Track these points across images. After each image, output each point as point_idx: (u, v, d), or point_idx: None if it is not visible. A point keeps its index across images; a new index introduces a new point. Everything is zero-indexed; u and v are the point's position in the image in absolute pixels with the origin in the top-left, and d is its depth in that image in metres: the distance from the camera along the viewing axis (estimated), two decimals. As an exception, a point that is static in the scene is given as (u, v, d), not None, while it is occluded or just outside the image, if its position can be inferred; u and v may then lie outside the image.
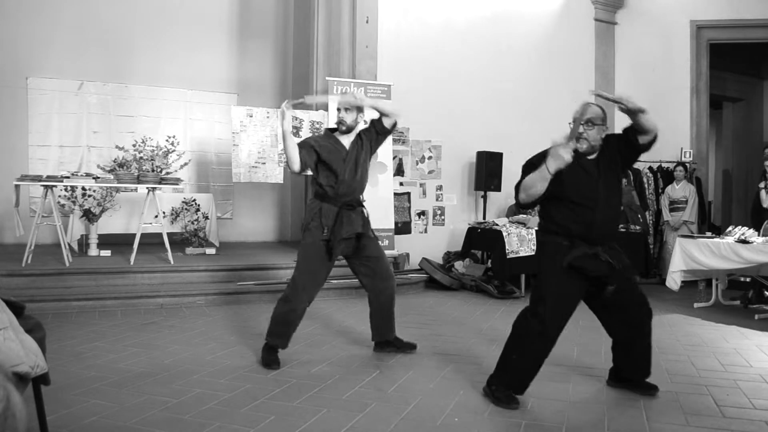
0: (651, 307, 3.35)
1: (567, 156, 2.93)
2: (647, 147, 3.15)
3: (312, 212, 3.90)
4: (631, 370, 3.43)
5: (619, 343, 3.41)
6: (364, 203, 4.08)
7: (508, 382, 3.23)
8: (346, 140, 4.00)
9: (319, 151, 3.89)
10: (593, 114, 3.11)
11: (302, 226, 4.00)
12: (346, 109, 3.93)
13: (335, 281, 6.56)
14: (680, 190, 7.94)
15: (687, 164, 8.29)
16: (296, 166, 3.82)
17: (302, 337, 4.59)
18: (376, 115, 4.06)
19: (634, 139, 3.12)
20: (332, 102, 4.09)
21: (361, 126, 4.09)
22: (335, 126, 4.04)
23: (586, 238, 3.11)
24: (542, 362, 3.22)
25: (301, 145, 3.89)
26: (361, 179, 3.99)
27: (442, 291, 7.01)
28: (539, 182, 3.01)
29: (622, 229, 7.36)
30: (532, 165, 3.14)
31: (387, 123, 4.02)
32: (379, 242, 4.14)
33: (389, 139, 7.42)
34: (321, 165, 3.93)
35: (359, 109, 3.98)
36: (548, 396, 3.33)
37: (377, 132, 4.06)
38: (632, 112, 3.00)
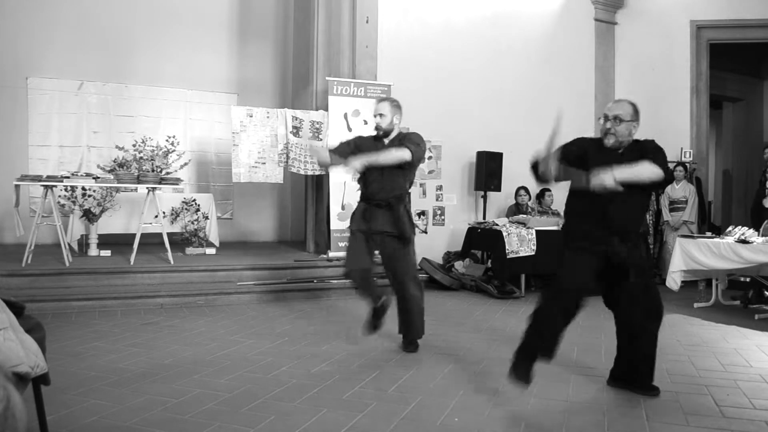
0: (660, 315, 3.32)
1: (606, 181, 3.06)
2: (656, 187, 3.32)
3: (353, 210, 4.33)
4: (631, 374, 3.42)
5: (623, 345, 3.43)
6: (402, 204, 4.18)
7: (532, 349, 3.23)
8: (387, 143, 4.19)
9: (357, 149, 4.14)
10: (621, 110, 3.21)
11: None
12: (381, 114, 4.14)
13: (335, 281, 6.57)
14: (680, 190, 7.94)
15: (687, 164, 8.29)
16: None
17: (302, 337, 4.60)
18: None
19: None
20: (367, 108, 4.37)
21: (397, 130, 4.21)
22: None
23: (601, 226, 3.20)
24: (565, 323, 3.23)
25: (347, 140, 4.29)
26: (390, 180, 4.10)
27: (442, 291, 7.01)
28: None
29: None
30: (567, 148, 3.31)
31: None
32: (409, 247, 4.19)
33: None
34: None
35: (394, 111, 4.15)
36: (548, 396, 3.33)
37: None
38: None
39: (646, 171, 3.10)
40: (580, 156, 3.27)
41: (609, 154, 3.22)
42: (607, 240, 3.20)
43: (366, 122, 7.27)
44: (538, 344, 3.24)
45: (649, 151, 3.19)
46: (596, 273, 3.24)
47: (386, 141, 4.18)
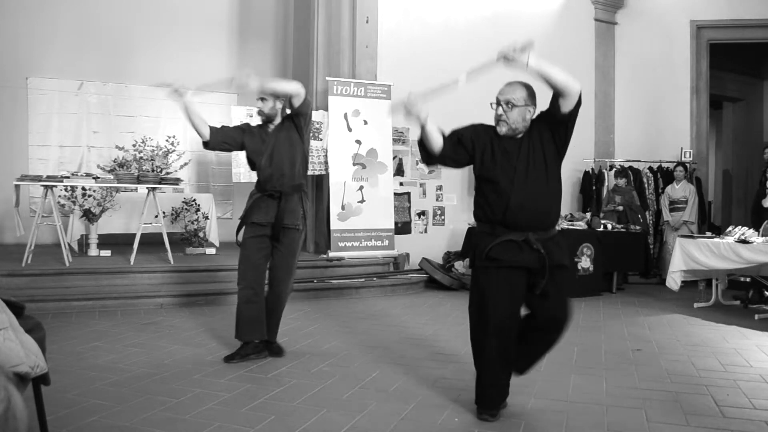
0: (564, 324, 2.94)
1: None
2: (570, 115, 2.79)
3: (248, 199, 4.05)
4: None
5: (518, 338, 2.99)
6: (301, 195, 3.99)
7: (477, 397, 2.98)
8: (272, 129, 3.99)
9: (245, 136, 3.97)
10: (513, 94, 2.89)
11: None
12: (263, 99, 3.93)
13: (335, 281, 6.57)
14: (680, 190, 7.95)
15: (687, 164, 8.29)
16: (205, 136, 3.90)
17: (302, 337, 4.60)
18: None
19: (555, 107, 2.80)
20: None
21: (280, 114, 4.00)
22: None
23: (506, 223, 2.85)
24: (507, 364, 2.93)
25: (236, 126, 4.09)
26: (281, 168, 3.89)
27: (442, 291, 7.01)
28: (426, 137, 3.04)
29: (621, 230, 7.37)
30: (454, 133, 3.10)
31: (295, 102, 3.87)
32: (296, 242, 4.01)
33: (389, 138, 7.45)
34: (248, 155, 4.03)
35: (276, 97, 3.92)
36: (548, 396, 3.33)
37: (293, 115, 3.95)
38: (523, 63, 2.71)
39: (563, 74, 2.73)
40: (471, 140, 2.99)
41: (508, 141, 2.91)
42: (521, 244, 2.82)
43: (366, 122, 7.27)
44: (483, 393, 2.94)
45: (545, 112, 2.88)
46: (517, 280, 2.85)
47: (271, 127, 3.97)
